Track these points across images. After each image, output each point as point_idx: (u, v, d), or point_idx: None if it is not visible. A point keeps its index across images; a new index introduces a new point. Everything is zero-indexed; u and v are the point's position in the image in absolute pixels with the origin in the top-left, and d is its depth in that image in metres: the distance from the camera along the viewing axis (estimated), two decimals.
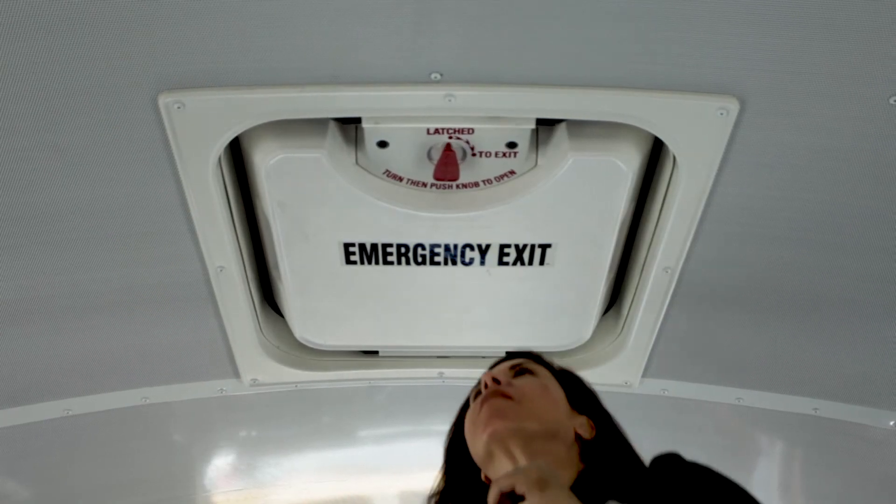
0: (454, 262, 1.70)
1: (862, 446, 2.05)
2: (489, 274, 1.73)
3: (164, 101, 1.34)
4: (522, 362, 1.47)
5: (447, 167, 1.53)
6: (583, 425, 1.37)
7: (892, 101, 1.33)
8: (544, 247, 1.67)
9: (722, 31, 1.25)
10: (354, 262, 1.68)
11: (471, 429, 1.37)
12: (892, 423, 1.97)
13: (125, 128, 1.39)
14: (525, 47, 1.30)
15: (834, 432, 2.03)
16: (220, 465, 2.37)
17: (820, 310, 1.76)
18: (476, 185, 1.59)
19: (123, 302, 1.73)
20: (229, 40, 1.27)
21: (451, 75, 1.35)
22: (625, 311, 1.90)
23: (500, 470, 1.34)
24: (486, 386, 1.38)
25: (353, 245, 1.65)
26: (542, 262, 1.70)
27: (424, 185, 1.58)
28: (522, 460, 1.29)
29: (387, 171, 1.56)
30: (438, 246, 1.67)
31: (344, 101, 1.39)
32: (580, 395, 1.43)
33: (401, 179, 1.57)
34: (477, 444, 1.37)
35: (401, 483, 2.58)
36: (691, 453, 1.24)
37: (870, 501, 2.18)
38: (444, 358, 2.01)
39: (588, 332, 1.89)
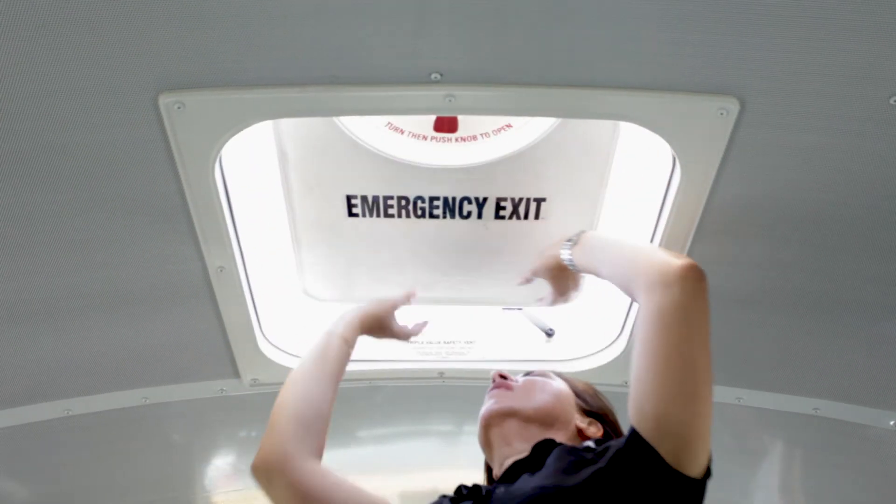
0: (452, 216, 1.70)
1: (862, 446, 2.05)
2: (486, 228, 1.73)
3: (164, 101, 1.35)
4: (537, 371, 1.49)
5: (446, 120, 1.56)
6: (590, 424, 1.38)
7: (892, 101, 1.33)
8: (539, 200, 1.69)
9: (722, 31, 1.25)
10: (356, 215, 1.70)
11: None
12: (892, 423, 1.97)
13: (125, 128, 1.39)
14: (525, 48, 1.30)
15: (834, 432, 2.03)
16: (219, 465, 2.37)
17: (820, 310, 1.76)
18: (474, 138, 1.63)
19: (123, 302, 1.73)
20: (229, 40, 1.27)
21: (451, 75, 1.35)
22: (625, 312, 1.90)
23: (497, 459, 1.35)
24: (493, 381, 1.38)
25: (355, 197, 1.66)
26: (536, 217, 1.70)
27: (424, 137, 1.62)
28: (519, 445, 1.30)
29: (389, 123, 1.60)
30: (437, 199, 1.69)
31: (344, 101, 1.39)
32: (593, 406, 1.43)
33: (402, 132, 1.59)
34: (479, 434, 1.38)
35: (401, 483, 2.58)
36: None
37: (870, 501, 2.18)
38: (443, 364, 2.02)
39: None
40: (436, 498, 1.30)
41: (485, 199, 1.69)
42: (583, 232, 1.51)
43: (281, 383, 1.99)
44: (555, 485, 1.11)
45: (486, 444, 1.40)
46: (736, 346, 1.89)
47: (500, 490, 1.20)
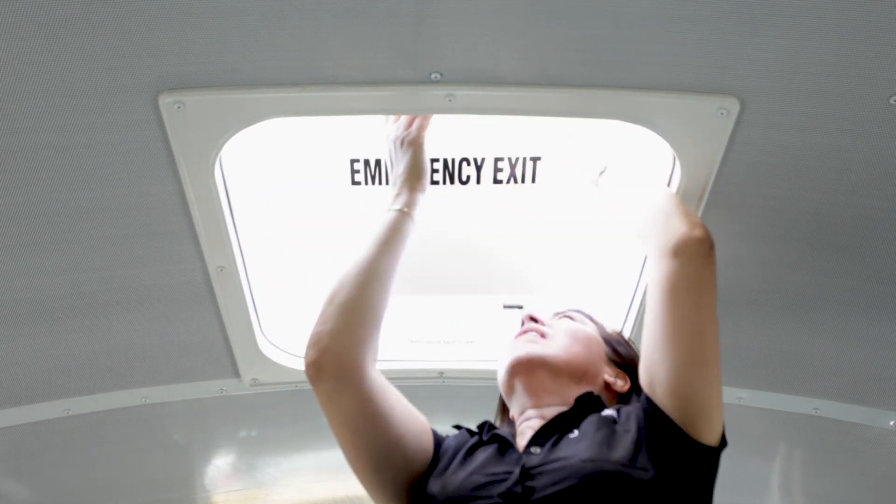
0: (452, 181, 1.71)
1: (862, 446, 2.05)
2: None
3: (164, 101, 1.34)
4: (568, 311, 1.45)
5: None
6: (617, 377, 1.36)
7: (892, 101, 1.33)
8: (535, 160, 1.69)
9: (722, 31, 1.25)
10: (359, 183, 1.69)
11: (500, 363, 1.34)
12: (892, 423, 1.97)
13: (125, 128, 1.39)
14: (525, 47, 1.30)
15: (834, 432, 2.03)
16: (220, 465, 2.37)
17: (820, 310, 1.76)
18: None
19: (123, 302, 1.73)
20: (229, 40, 1.27)
21: (451, 75, 1.35)
22: (625, 311, 1.90)
23: (518, 406, 1.32)
24: (523, 323, 1.35)
25: (358, 161, 1.66)
26: (533, 181, 1.73)
27: None
28: (547, 398, 1.27)
29: None
30: (437, 160, 1.68)
31: (344, 101, 1.39)
32: (623, 356, 1.42)
33: None
34: (500, 376, 1.33)
35: None
36: None
37: (870, 501, 2.18)
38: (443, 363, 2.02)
39: None
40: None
41: (483, 160, 1.70)
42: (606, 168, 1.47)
43: (281, 383, 2.01)
44: (601, 458, 1.09)
45: (509, 390, 1.33)
46: (736, 346, 1.89)
47: (539, 454, 1.16)
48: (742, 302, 1.78)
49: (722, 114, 1.38)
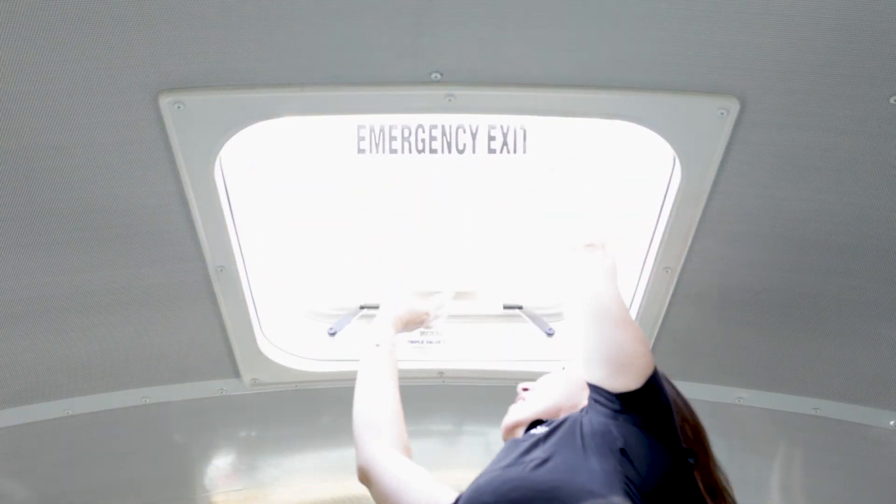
0: (450, 150, 1.74)
1: (862, 446, 2.05)
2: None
3: (164, 101, 1.34)
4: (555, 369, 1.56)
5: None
6: None
7: (892, 101, 1.33)
8: (524, 130, 1.73)
9: (722, 31, 1.25)
10: (364, 151, 1.72)
11: None
12: (892, 423, 1.97)
13: (126, 128, 1.39)
14: (525, 48, 1.30)
15: (834, 432, 2.03)
16: (220, 465, 2.37)
17: (820, 310, 1.76)
18: None
19: (123, 302, 1.73)
20: (229, 41, 1.27)
21: (451, 75, 1.35)
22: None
23: None
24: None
25: (364, 128, 1.70)
26: (525, 151, 1.75)
27: None
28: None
29: None
30: (436, 127, 1.71)
31: (344, 101, 1.39)
32: None
33: None
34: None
35: None
36: None
37: (870, 501, 2.18)
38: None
39: None
40: None
41: (477, 128, 1.71)
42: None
43: (281, 383, 2.01)
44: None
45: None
46: (736, 346, 1.89)
47: None
48: (742, 302, 1.78)
49: (722, 114, 1.38)
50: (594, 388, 1.26)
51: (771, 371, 1.94)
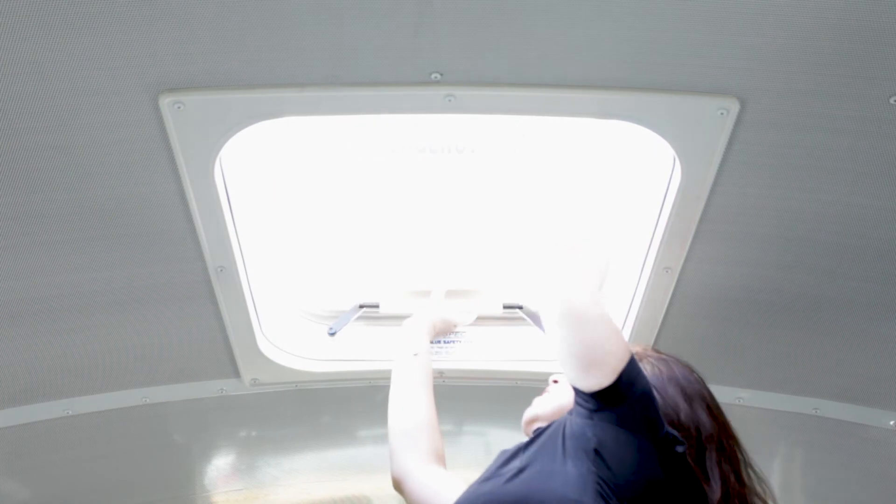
0: (450, 150, 1.77)
1: (862, 446, 2.05)
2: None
3: (164, 101, 1.34)
4: None
5: None
6: None
7: (892, 101, 1.33)
8: None
9: (722, 31, 1.25)
10: None
11: None
12: (892, 423, 1.97)
13: (126, 128, 1.39)
14: (525, 48, 1.30)
15: (834, 432, 2.03)
16: (220, 465, 2.36)
17: (820, 310, 1.76)
18: None
19: (123, 302, 1.73)
20: (229, 41, 1.27)
21: (451, 75, 1.35)
22: (625, 311, 1.90)
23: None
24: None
25: None
26: None
27: None
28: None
29: None
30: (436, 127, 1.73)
31: (344, 101, 1.39)
32: None
33: None
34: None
35: None
36: None
37: (870, 501, 2.18)
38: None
39: None
40: None
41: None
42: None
43: (281, 383, 2.01)
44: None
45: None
46: (736, 346, 1.89)
47: None
48: (742, 302, 1.78)
49: (722, 114, 1.38)
50: (574, 390, 1.26)
51: (771, 371, 1.94)
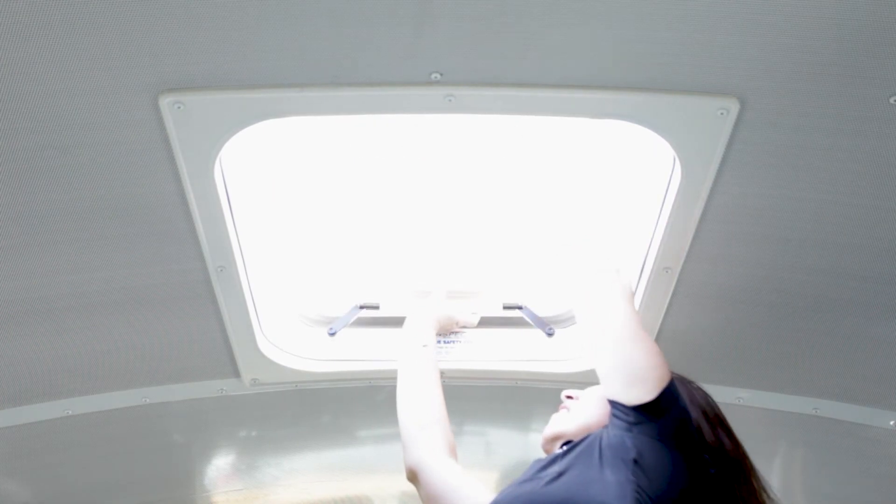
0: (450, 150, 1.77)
1: (862, 446, 2.05)
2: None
3: (164, 101, 1.34)
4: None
5: None
6: None
7: (892, 101, 1.33)
8: None
9: (722, 31, 1.25)
10: None
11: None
12: (892, 423, 1.97)
13: (126, 128, 1.39)
14: (525, 48, 1.30)
15: (834, 432, 2.03)
16: (220, 465, 2.37)
17: (820, 310, 1.76)
18: None
19: (123, 302, 1.73)
20: (229, 41, 1.27)
21: (451, 75, 1.35)
22: None
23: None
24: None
25: None
26: None
27: None
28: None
29: None
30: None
31: (344, 101, 1.39)
32: None
33: None
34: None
35: (401, 483, 2.56)
36: None
37: (870, 501, 2.18)
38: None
39: None
40: None
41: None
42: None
43: (281, 383, 2.01)
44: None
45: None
46: (736, 346, 1.89)
47: None
48: (742, 302, 1.78)
49: (722, 114, 1.38)
50: (612, 403, 1.29)
51: (771, 371, 1.94)
